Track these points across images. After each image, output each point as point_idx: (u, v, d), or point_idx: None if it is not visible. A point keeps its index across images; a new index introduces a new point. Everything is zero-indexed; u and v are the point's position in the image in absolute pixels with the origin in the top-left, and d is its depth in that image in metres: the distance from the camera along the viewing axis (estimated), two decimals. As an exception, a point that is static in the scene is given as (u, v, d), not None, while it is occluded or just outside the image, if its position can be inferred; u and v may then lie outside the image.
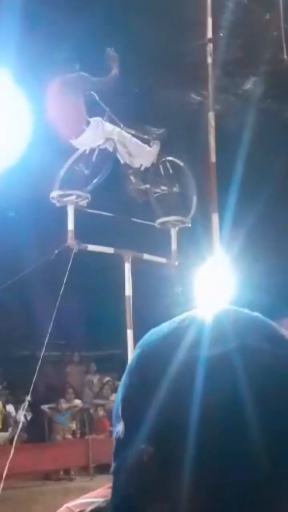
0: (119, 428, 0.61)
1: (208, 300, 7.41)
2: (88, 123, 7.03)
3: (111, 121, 7.32)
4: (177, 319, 0.63)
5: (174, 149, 8.17)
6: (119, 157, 7.48)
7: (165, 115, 8.98)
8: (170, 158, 8.09)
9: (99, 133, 7.09)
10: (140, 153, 7.59)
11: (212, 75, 7.75)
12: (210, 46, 7.67)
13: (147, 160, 7.72)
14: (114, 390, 11.39)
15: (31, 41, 7.21)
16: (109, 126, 7.20)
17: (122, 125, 7.44)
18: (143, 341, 0.65)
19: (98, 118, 7.12)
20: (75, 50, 7.23)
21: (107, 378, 12.08)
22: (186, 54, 8.87)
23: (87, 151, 7.25)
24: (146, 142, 7.83)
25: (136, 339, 7.13)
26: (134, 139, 7.53)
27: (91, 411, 11.13)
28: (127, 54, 8.18)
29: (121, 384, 0.65)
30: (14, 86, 6.70)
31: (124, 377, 0.65)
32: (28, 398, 8.22)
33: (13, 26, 6.78)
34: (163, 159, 7.99)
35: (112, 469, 0.62)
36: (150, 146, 7.81)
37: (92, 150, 7.23)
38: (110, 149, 7.25)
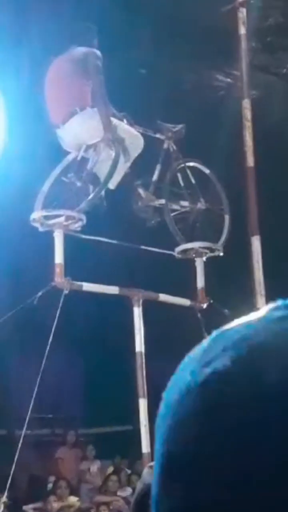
0: None
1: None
2: (83, 108, 7.15)
3: (112, 115, 7.43)
4: None
5: (196, 152, 8.27)
6: (122, 163, 7.59)
7: (183, 104, 9.10)
8: (191, 163, 8.19)
9: (94, 126, 7.17)
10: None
11: (246, 50, 7.88)
12: (242, 12, 7.82)
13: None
14: (126, 482, 11.36)
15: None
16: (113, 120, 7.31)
17: (125, 121, 7.55)
18: None
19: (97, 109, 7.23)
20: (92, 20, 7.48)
21: (111, 467, 12.05)
22: (211, 22, 9.03)
23: (79, 157, 7.37)
24: (159, 143, 7.96)
25: (151, 412, 7.17)
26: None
27: (92, 512, 11.10)
28: (131, 20, 8.37)
29: None
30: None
31: None
32: (4, 497, 8.21)
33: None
34: (183, 165, 8.10)
35: None
36: (165, 149, 7.95)
37: (85, 157, 7.34)
38: (111, 152, 7.34)
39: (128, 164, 7.47)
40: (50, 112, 7.29)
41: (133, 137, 7.44)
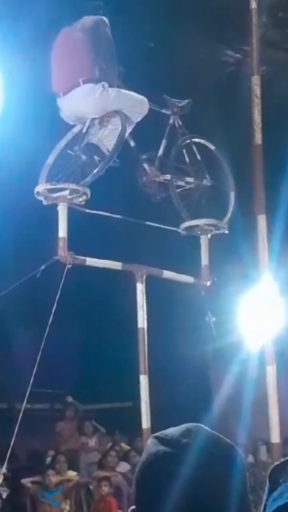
0: None
1: (249, 333, 7.47)
2: (86, 82, 7.11)
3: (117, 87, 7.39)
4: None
5: (203, 128, 8.25)
6: (128, 138, 7.57)
7: (190, 80, 9.07)
8: (197, 139, 8.18)
9: (94, 102, 7.13)
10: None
11: (257, 25, 7.83)
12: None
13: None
14: (123, 457, 11.43)
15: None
16: (113, 92, 7.26)
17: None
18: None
19: (104, 83, 7.19)
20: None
21: (110, 443, 12.11)
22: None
23: (84, 130, 7.36)
24: (165, 118, 7.93)
25: (152, 387, 7.21)
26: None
27: (91, 486, 11.18)
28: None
29: None
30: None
31: None
32: (4, 469, 8.29)
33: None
34: (188, 141, 8.08)
35: None
36: (170, 124, 7.92)
37: (92, 128, 7.33)
38: (116, 125, 7.32)
39: (129, 129, 7.44)
40: (53, 81, 7.26)
41: (137, 102, 7.39)
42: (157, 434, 1.53)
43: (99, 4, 7.39)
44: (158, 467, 1.46)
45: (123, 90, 7.30)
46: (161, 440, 1.50)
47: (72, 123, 7.41)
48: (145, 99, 7.48)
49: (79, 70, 7.14)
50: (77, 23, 7.26)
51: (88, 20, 7.22)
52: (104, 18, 7.22)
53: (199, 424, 1.55)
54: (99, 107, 7.17)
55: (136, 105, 7.37)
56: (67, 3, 7.63)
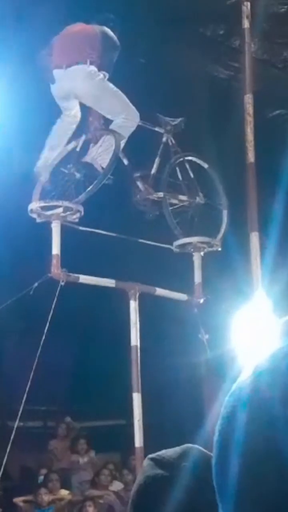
0: None
1: (243, 350, 7.49)
2: (93, 63, 7.22)
3: None
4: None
5: (195, 146, 8.29)
6: (121, 156, 7.61)
7: (182, 98, 9.12)
8: (190, 157, 8.23)
9: (91, 84, 7.22)
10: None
11: (249, 44, 7.87)
12: (247, 5, 7.79)
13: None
14: (116, 476, 11.41)
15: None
16: (111, 85, 7.34)
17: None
18: None
19: (106, 73, 7.30)
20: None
21: (100, 460, 12.08)
22: (213, 14, 9.03)
23: (78, 148, 7.41)
24: (158, 136, 7.98)
25: (145, 405, 7.21)
26: None
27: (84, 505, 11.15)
28: (132, 9, 8.37)
29: None
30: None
31: None
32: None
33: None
34: (181, 159, 8.13)
35: None
36: (164, 142, 7.97)
37: (85, 148, 7.38)
38: (110, 144, 7.36)
39: (121, 144, 7.50)
40: (55, 54, 7.32)
41: (129, 109, 7.44)
42: (153, 455, 1.54)
43: (110, 17, 7.49)
44: (155, 491, 1.46)
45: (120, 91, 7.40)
46: (158, 463, 1.50)
47: (57, 101, 7.43)
48: (136, 111, 7.55)
49: (89, 53, 7.26)
50: (100, 25, 7.39)
51: (111, 32, 7.35)
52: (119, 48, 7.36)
53: (196, 446, 1.55)
54: (95, 91, 7.26)
55: (129, 112, 7.41)
56: (76, 14, 7.70)
